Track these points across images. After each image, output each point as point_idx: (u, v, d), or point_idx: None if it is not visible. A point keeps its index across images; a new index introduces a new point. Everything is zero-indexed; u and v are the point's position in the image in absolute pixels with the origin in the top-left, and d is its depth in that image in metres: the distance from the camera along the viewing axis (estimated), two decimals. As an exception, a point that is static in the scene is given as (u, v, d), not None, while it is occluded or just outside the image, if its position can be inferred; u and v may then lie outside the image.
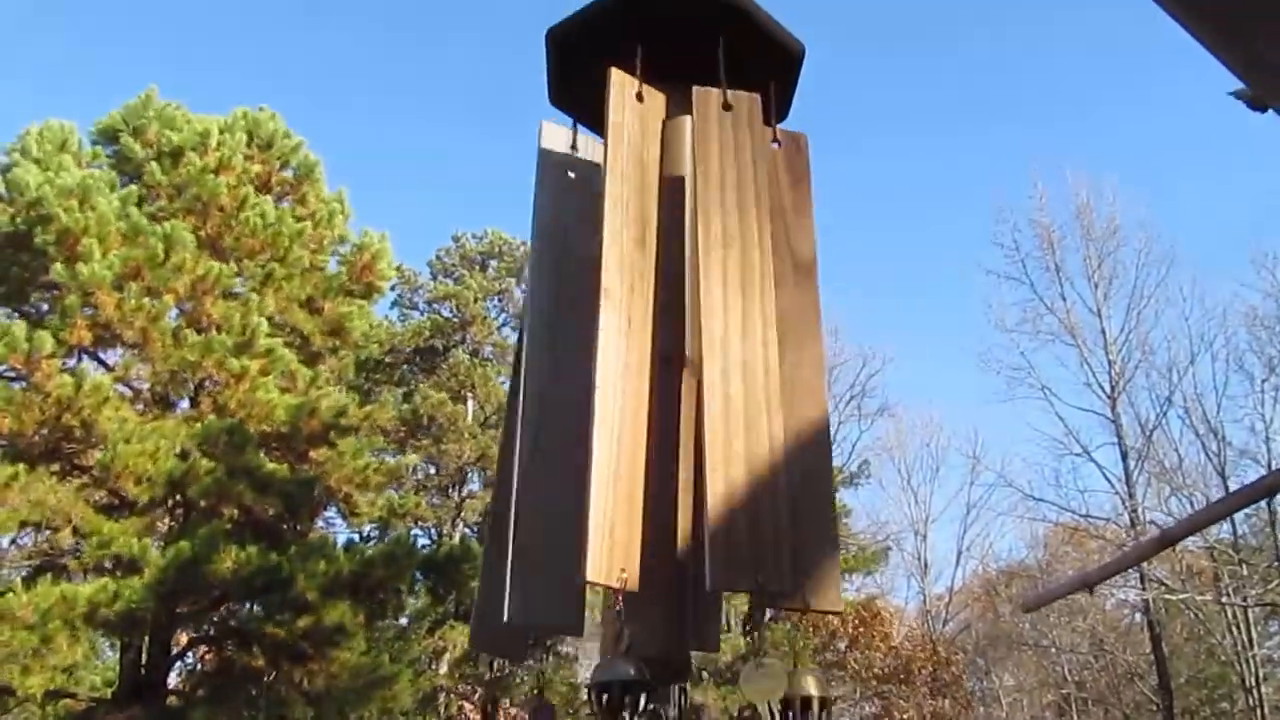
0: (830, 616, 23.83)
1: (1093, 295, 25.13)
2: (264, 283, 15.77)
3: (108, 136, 16.71)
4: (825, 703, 2.92)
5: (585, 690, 2.85)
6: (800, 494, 2.99)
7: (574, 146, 3.68)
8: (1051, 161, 47.05)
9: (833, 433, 31.41)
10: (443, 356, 32.00)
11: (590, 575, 2.71)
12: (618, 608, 2.85)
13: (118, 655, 15.94)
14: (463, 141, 62.55)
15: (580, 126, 3.73)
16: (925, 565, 33.87)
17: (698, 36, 3.42)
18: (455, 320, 32.77)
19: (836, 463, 32.79)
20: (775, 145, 3.51)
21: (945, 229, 59.23)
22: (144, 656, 14.98)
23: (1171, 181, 50.47)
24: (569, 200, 3.60)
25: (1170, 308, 25.57)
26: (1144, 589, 22.38)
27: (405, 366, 32.16)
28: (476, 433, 30.36)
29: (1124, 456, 23.92)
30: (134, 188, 15.55)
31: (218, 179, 15.50)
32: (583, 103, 3.60)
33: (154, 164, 15.50)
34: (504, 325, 34.24)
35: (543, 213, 3.58)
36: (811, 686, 2.91)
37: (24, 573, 14.39)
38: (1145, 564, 20.75)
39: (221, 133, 16.11)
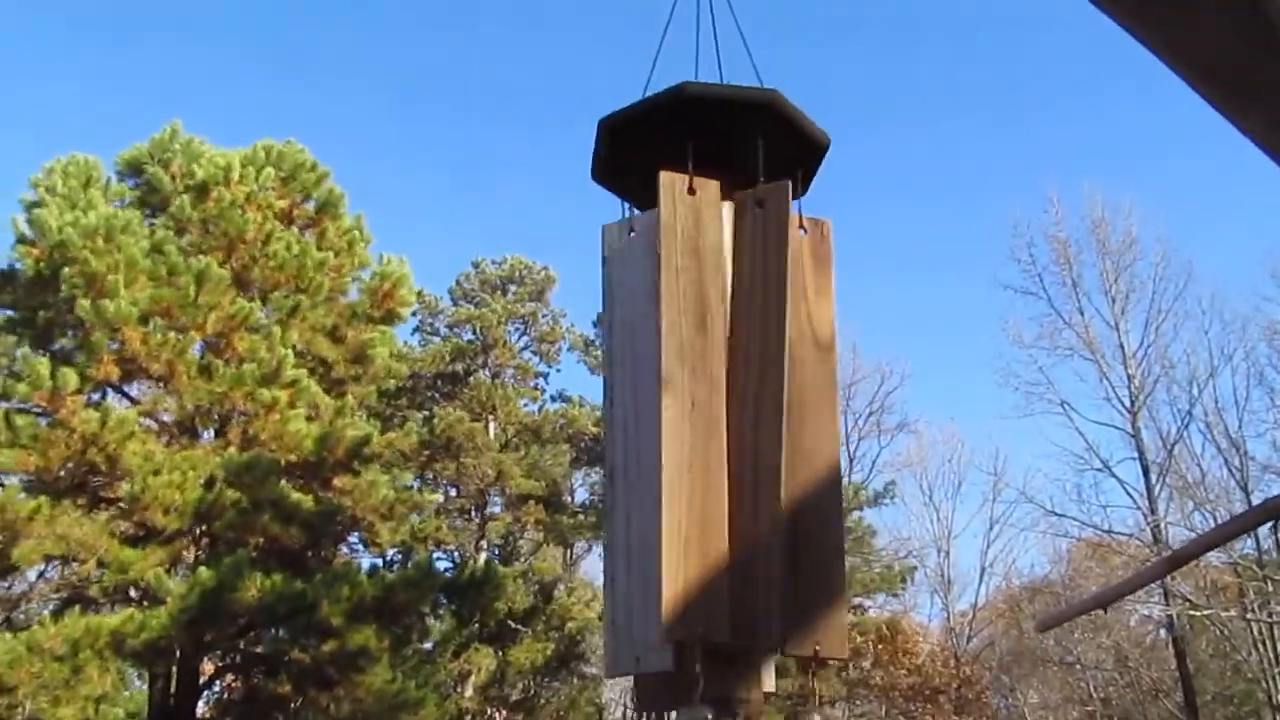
0: (855, 635, 23.91)
1: (1110, 310, 25.11)
2: (289, 314, 15.99)
3: (131, 169, 16.96)
4: None
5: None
6: (809, 552, 3.32)
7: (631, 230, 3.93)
8: (1068, 174, 47.03)
9: (852, 452, 31.52)
10: (464, 380, 32.20)
11: (668, 636, 3.10)
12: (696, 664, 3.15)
13: (146, 685, 16.10)
14: (486, 167, 62.94)
15: (624, 203, 4.03)
16: (949, 582, 33.78)
17: (739, 133, 3.72)
18: (477, 344, 32.97)
19: (859, 479, 32.83)
20: (802, 232, 3.77)
21: (962, 245, 59.21)
22: (172, 686, 15.15)
23: (1188, 194, 50.34)
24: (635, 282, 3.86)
25: (1189, 321, 25.47)
26: (1168, 605, 22.28)
27: (427, 391, 32.36)
28: (496, 451, 30.54)
29: (1145, 471, 23.86)
30: (162, 222, 15.78)
31: (244, 215, 15.73)
32: (623, 181, 3.94)
33: (183, 198, 15.73)
34: (525, 349, 34.43)
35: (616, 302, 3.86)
36: None
37: (52, 606, 14.60)
38: (1169, 580, 20.70)
39: (244, 166, 16.34)
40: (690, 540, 3.21)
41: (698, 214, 3.64)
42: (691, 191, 3.65)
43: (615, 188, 4.06)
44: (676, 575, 3.17)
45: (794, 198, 3.77)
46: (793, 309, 3.55)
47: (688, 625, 3.16)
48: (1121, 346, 24.69)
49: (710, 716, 3.19)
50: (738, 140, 3.77)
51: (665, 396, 3.36)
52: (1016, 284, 26.65)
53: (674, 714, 3.39)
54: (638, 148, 3.79)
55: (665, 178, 3.63)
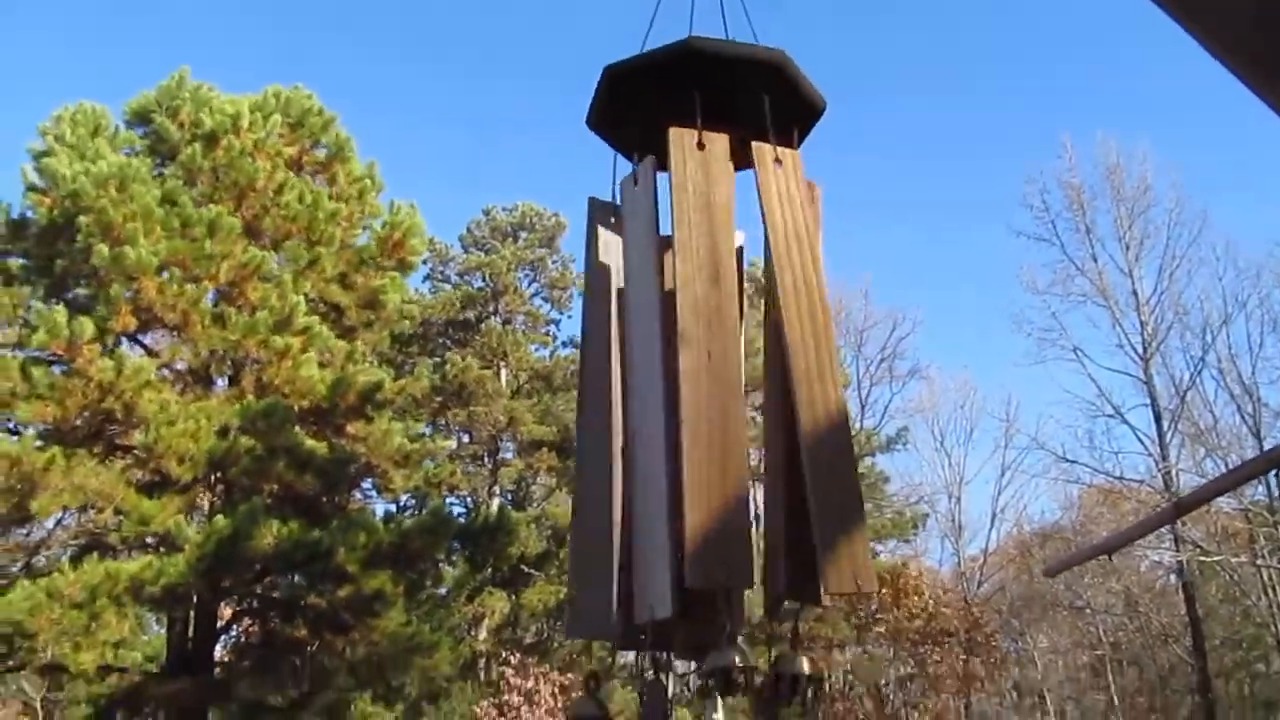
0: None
1: (1124, 256, 24.98)
2: (299, 262, 15.95)
3: (140, 118, 16.85)
4: (815, 680, 3.20)
5: (697, 675, 3.31)
6: (831, 496, 3.36)
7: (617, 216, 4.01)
8: (1081, 121, 46.57)
9: (864, 398, 31.50)
10: (475, 327, 32.22)
11: (692, 582, 3.14)
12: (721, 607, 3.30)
13: (165, 630, 16.28)
14: (496, 113, 62.54)
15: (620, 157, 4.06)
16: (960, 527, 33.93)
17: (742, 91, 3.74)
18: (487, 290, 32.95)
19: (871, 425, 32.89)
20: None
21: (975, 190, 58.80)
22: (190, 630, 15.33)
23: (1203, 140, 49.80)
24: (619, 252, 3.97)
25: (1203, 268, 25.35)
26: (1178, 551, 22.34)
27: (438, 338, 32.40)
28: (507, 398, 30.61)
29: (1157, 418, 23.84)
30: (173, 172, 15.73)
31: (255, 162, 15.65)
32: (618, 132, 3.93)
33: (194, 148, 15.64)
34: (536, 295, 34.39)
35: (598, 271, 3.96)
36: (804, 667, 3.15)
37: (70, 552, 14.73)
38: (1180, 525, 20.74)
39: (253, 112, 16.22)
40: (712, 488, 3.23)
41: (708, 169, 3.64)
42: (701, 146, 3.64)
43: (610, 138, 4.04)
44: (699, 524, 3.19)
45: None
46: (814, 264, 3.60)
47: (710, 573, 3.18)
48: (1135, 293, 24.59)
49: (738, 659, 3.23)
50: (740, 98, 3.75)
51: (682, 350, 3.38)
52: (1030, 231, 26.52)
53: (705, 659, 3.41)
54: (638, 99, 3.78)
55: (675, 133, 3.62)
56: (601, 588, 3.69)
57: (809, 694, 3.20)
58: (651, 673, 3.42)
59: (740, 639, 3.30)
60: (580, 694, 3.63)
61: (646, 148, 3.84)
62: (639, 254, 3.84)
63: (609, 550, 3.73)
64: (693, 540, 3.13)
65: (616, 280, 4.00)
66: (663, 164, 3.81)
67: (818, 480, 3.35)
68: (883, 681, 26.50)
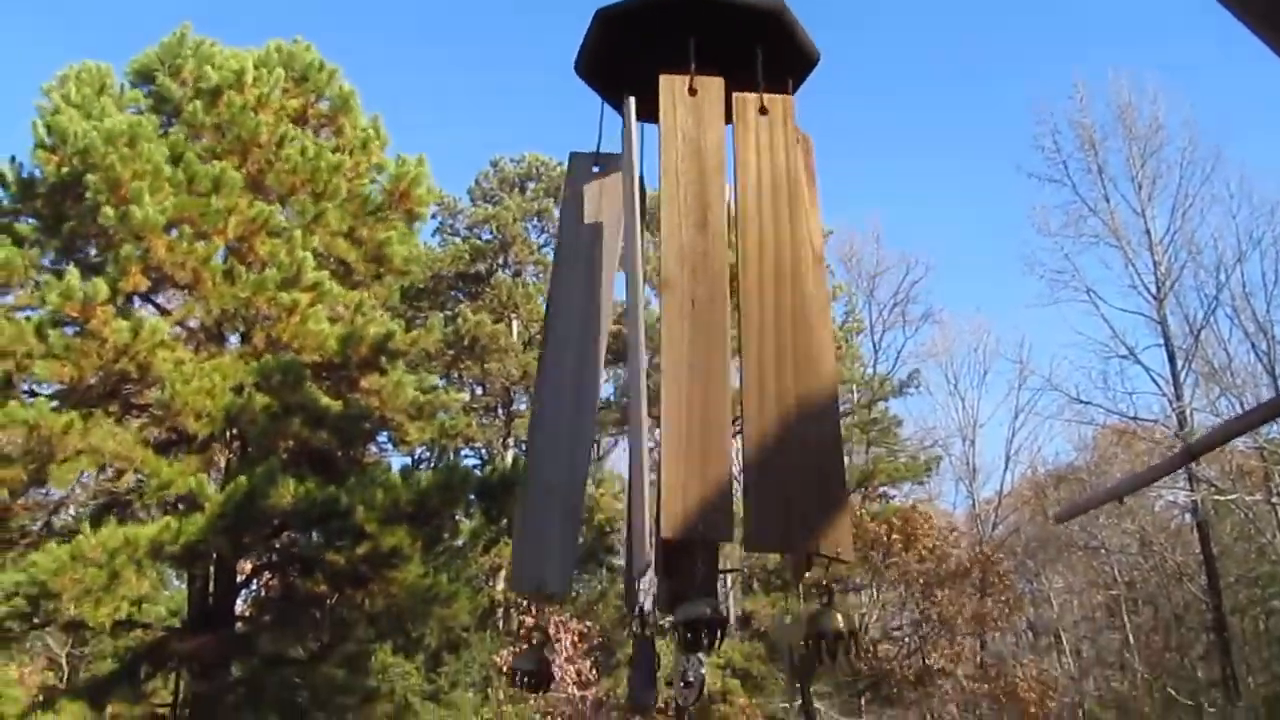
0: (871, 526, 24.14)
1: (1136, 196, 24.80)
2: (305, 216, 15.88)
3: (143, 77, 16.76)
4: (852, 635, 3.18)
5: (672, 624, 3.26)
6: (810, 456, 3.31)
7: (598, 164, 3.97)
8: (1094, 58, 46.05)
9: (877, 342, 31.44)
10: (485, 280, 32.17)
11: (668, 533, 3.09)
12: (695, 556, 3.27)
13: (185, 585, 16.43)
14: (499, 64, 62.02)
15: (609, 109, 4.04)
16: (974, 470, 34.03)
17: (736, 40, 3.67)
18: (496, 242, 32.86)
19: (884, 370, 32.88)
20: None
21: (985, 131, 58.27)
22: (211, 586, 15.45)
23: (1216, 76, 49.19)
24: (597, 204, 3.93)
25: (1217, 206, 25.23)
26: (1193, 490, 22.36)
27: (449, 291, 32.37)
28: (520, 351, 30.62)
29: (1171, 358, 23.78)
30: (178, 129, 15.67)
31: (257, 117, 15.56)
32: (608, 78, 3.86)
33: (196, 103, 15.55)
34: (544, 245, 34.30)
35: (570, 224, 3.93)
36: (839, 623, 3.20)
37: (90, 511, 14.83)
38: (1194, 465, 20.75)
39: (257, 68, 16.10)
40: (691, 440, 3.17)
41: (699, 114, 3.57)
42: (693, 92, 3.58)
43: (598, 86, 3.98)
44: (676, 475, 3.14)
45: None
46: (793, 217, 3.50)
47: (686, 524, 3.13)
48: (1148, 232, 24.43)
49: (709, 610, 3.21)
50: (733, 46, 3.67)
51: (665, 297, 3.32)
52: (1041, 172, 26.30)
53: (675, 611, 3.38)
54: (629, 45, 3.72)
55: (665, 81, 3.57)
56: (546, 541, 3.66)
57: (842, 651, 3.19)
58: (639, 628, 3.40)
59: (714, 592, 3.35)
60: (525, 647, 3.65)
61: (637, 96, 3.74)
62: (622, 198, 3.79)
63: (556, 506, 3.68)
64: (669, 491, 3.08)
65: (594, 234, 3.92)
66: (652, 113, 3.73)
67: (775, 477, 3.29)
68: (895, 625, 26.68)
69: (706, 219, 3.43)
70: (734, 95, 3.67)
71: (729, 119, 3.72)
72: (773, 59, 3.69)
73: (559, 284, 3.93)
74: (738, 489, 3.54)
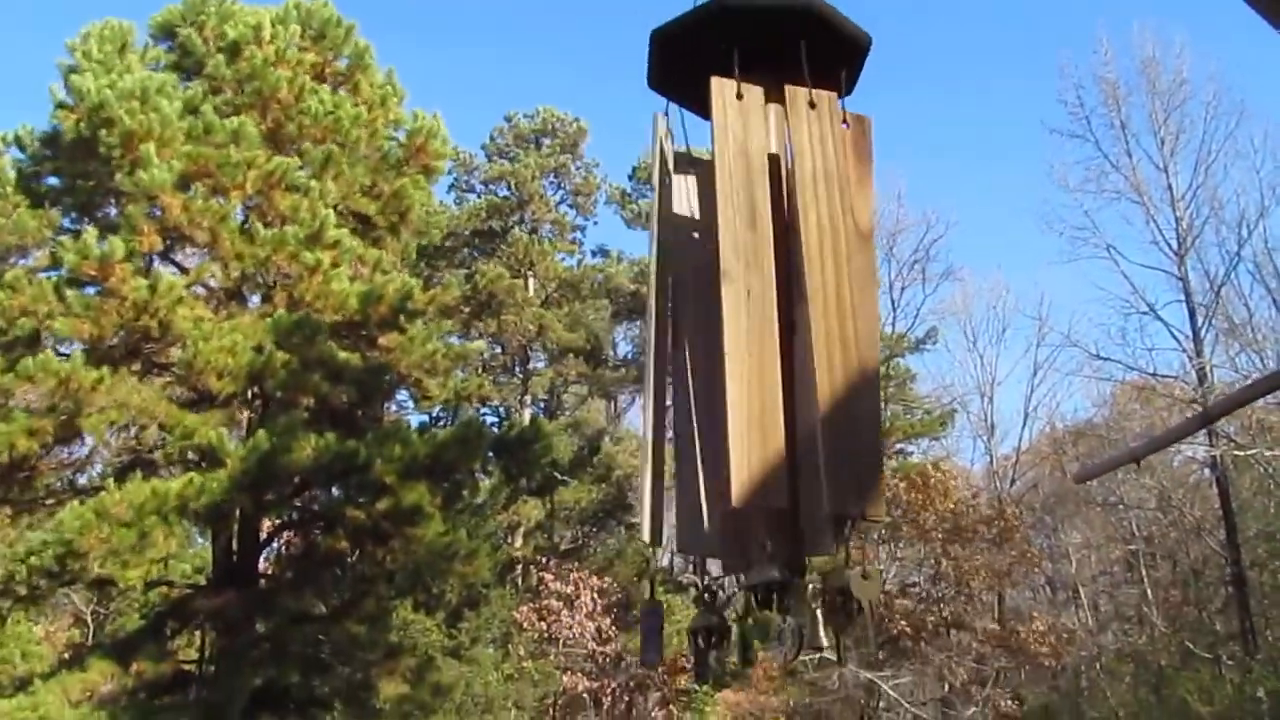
0: (896, 480, 24.22)
1: (1159, 151, 24.56)
2: (324, 167, 15.84)
3: (165, 33, 16.77)
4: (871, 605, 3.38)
5: (741, 590, 3.57)
6: (858, 428, 3.62)
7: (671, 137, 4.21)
8: (1118, 16, 45.53)
9: (896, 300, 31.43)
10: (502, 237, 32.14)
11: (736, 502, 3.36)
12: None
13: (209, 543, 16.58)
14: (514, 18, 61.63)
15: (679, 109, 4.27)
16: (992, 427, 33.97)
17: (783, 37, 3.90)
18: (512, 200, 32.80)
19: (903, 328, 32.84)
20: (844, 126, 3.95)
21: (1008, 88, 57.73)
22: (234, 544, 15.58)
23: (1241, 32, 48.48)
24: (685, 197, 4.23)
25: (1240, 161, 25.03)
26: (1213, 446, 22.30)
27: (465, 249, 32.36)
28: (537, 307, 30.66)
29: (1191, 314, 23.66)
30: (198, 85, 15.67)
31: (277, 72, 15.54)
32: (677, 88, 4.17)
33: (219, 57, 15.56)
34: (561, 202, 34.22)
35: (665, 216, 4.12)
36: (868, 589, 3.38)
37: (113, 470, 14.94)
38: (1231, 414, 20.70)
39: (274, 25, 16.08)
40: (752, 418, 3.46)
41: (745, 118, 3.84)
42: (739, 97, 3.84)
43: (670, 95, 4.23)
44: (741, 450, 3.40)
45: (840, 96, 3.96)
46: (842, 204, 3.80)
47: (753, 493, 3.39)
48: (1170, 188, 24.21)
49: (777, 574, 3.43)
50: (781, 45, 3.92)
51: (725, 287, 3.60)
52: (1064, 128, 26.07)
53: (743, 575, 3.61)
54: (685, 56, 3.99)
55: (716, 84, 3.80)
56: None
57: (859, 609, 3.34)
58: (649, 592, 3.62)
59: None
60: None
61: (698, 101, 4.05)
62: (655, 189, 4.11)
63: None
64: (737, 465, 3.38)
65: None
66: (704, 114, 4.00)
67: (832, 460, 3.52)
68: (913, 581, 26.78)
69: (754, 217, 3.74)
70: (787, 89, 3.91)
71: (785, 113, 3.98)
72: (819, 52, 3.92)
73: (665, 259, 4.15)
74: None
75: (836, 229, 3.76)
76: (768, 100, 3.97)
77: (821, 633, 3.37)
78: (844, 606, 3.37)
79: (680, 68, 4.07)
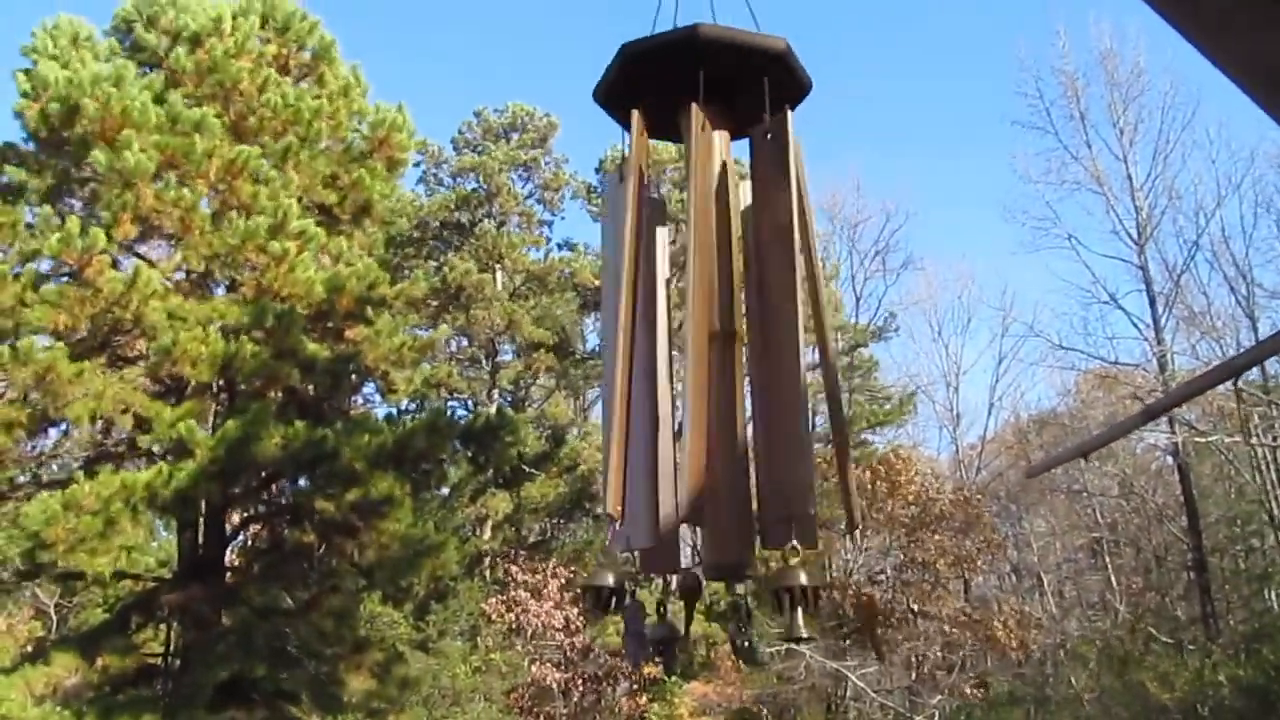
0: (859, 470, 24.37)
1: (1118, 142, 24.93)
2: (285, 158, 15.75)
3: (123, 29, 16.59)
4: (814, 591, 3.32)
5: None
6: (779, 451, 3.73)
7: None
8: (1074, 6, 45.95)
9: (858, 291, 31.57)
10: (470, 230, 32.10)
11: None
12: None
13: (175, 536, 16.48)
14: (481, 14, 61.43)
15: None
16: (957, 416, 34.32)
17: (744, 74, 4.06)
18: (481, 193, 32.75)
19: (865, 320, 33.03)
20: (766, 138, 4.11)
21: (966, 80, 58.12)
22: (201, 536, 15.50)
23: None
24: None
25: (1197, 151, 25.50)
26: (1173, 432, 22.61)
27: (433, 241, 32.31)
28: (505, 301, 30.63)
29: (1152, 302, 24.02)
30: (157, 75, 15.55)
31: (238, 64, 15.45)
32: (623, 106, 4.16)
33: (178, 50, 15.43)
34: (529, 196, 34.19)
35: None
36: (802, 579, 3.31)
37: (79, 463, 14.83)
38: (1177, 409, 20.99)
39: (235, 17, 15.98)
40: (710, 427, 3.58)
41: (709, 146, 4.04)
42: (704, 127, 4.00)
43: (615, 114, 4.26)
44: (697, 464, 3.50)
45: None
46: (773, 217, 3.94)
47: (713, 498, 3.55)
48: (1129, 178, 24.58)
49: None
50: (741, 79, 4.07)
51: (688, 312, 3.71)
52: (1024, 119, 26.35)
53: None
54: (644, 78, 4.07)
55: (695, 110, 3.93)
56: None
57: (806, 604, 3.35)
58: (630, 596, 3.61)
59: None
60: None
61: (651, 122, 4.12)
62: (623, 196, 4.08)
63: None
64: (693, 470, 3.49)
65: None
66: (667, 136, 4.30)
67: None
68: (879, 569, 26.94)
69: (713, 237, 3.92)
70: (750, 132, 4.13)
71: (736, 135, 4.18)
72: (774, 88, 4.08)
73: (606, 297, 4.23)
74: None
75: (791, 270, 3.84)
76: (715, 127, 4.11)
77: (800, 622, 3.36)
78: (794, 598, 3.40)
79: (632, 88, 4.11)
